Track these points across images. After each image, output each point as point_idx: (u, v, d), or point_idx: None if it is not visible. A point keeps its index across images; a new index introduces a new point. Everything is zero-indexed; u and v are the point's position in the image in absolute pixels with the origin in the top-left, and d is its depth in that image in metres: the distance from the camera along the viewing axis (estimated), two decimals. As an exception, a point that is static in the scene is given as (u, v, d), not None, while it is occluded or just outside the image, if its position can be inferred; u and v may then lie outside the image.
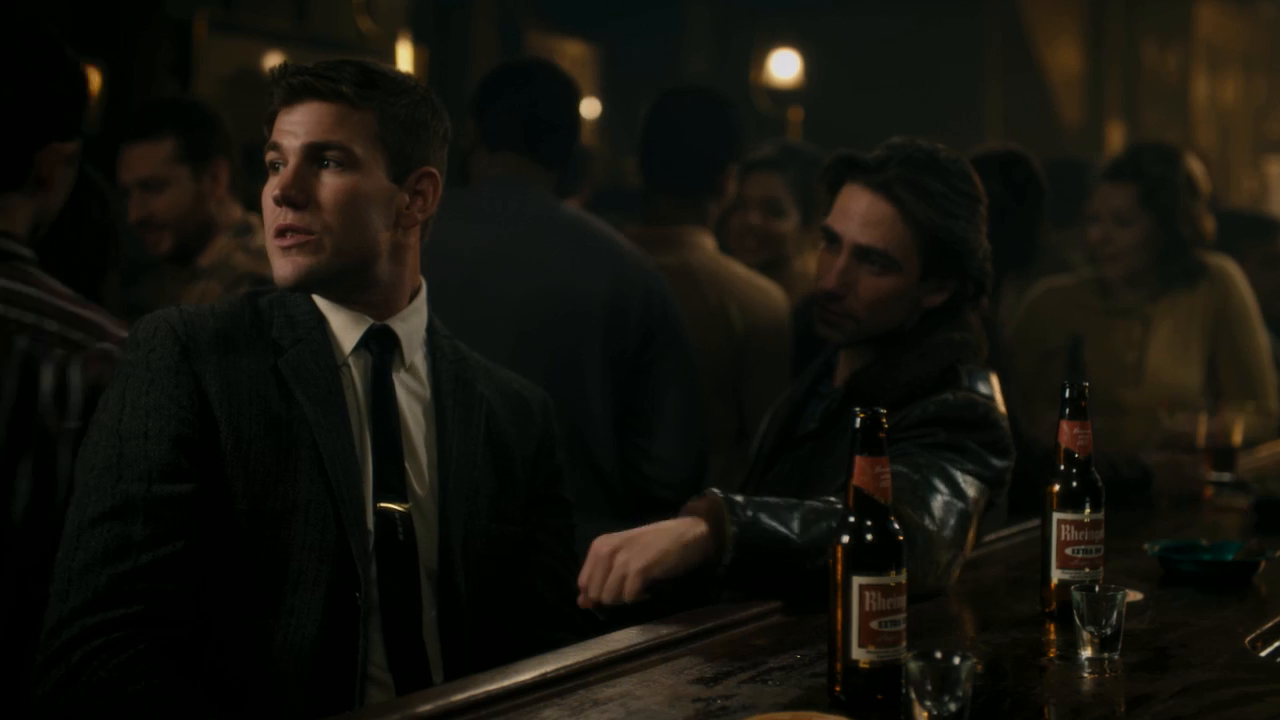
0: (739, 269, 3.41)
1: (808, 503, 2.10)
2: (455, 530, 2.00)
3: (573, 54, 11.43)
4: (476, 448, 2.06)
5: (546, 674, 1.71)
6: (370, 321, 2.01)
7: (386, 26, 8.31)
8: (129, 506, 1.82)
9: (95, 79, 7.05)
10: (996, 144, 3.43)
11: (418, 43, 8.79)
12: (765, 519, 2.03)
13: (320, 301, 2.00)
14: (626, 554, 1.96)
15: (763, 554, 2.02)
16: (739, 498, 2.06)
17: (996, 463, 2.29)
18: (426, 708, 1.60)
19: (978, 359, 2.41)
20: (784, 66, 10.04)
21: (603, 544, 1.99)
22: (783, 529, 2.03)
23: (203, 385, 1.89)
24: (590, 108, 11.64)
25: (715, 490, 2.06)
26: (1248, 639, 1.97)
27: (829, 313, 2.42)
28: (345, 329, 2.00)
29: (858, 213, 2.39)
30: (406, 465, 1.99)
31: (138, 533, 1.81)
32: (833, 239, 2.42)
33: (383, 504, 1.95)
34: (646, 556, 1.95)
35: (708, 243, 3.38)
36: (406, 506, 1.97)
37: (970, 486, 2.22)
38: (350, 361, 1.99)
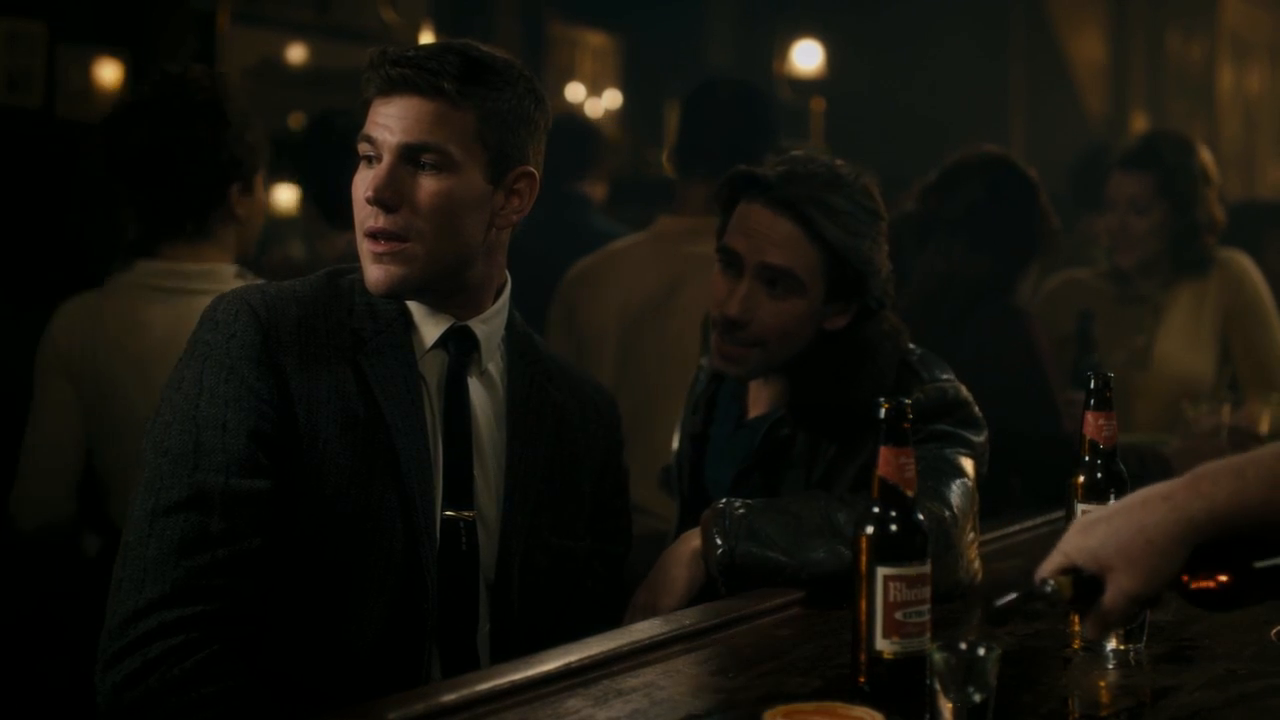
0: None
1: (825, 499, 2.10)
2: (516, 543, 1.96)
3: (594, 44, 11.41)
4: (544, 458, 2.01)
5: (571, 664, 1.71)
6: (451, 320, 1.95)
7: (409, 17, 8.31)
8: (205, 498, 1.77)
9: (117, 70, 7.07)
10: (973, 149, 3.42)
11: (439, 34, 8.80)
12: (749, 545, 2.05)
13: None
14: (648, 597, 2.08)
15: (750, 573, 2.06)
16: (739, 509, 2.07)
17: (975, 438, 2.27)
18: (451, 697, 1.61)
19: (908, 339, 2.34)
20: (806, 57, 10.00)
21: (634, 602, 2.10)
22: (769, 549, 2.05)
23: (283, 378, 1.83)
24: (612, 98, 11.62)
25: (718, 502, 2.10)
26: (1274, 631, 1.95)
27: (730, 344, 2.28)
28: (425, 324, 1.94)
29: (760, 232, 2.26)
30: (475, 472, 1.94)
31: (215, 526, 1.77)
32: (731, 261, 2.29)
33: (449, 511, 1.91)
34: (662, 594, 2.07)
35: None
36: (471, 515, 1.93)
37: (966, 464, 2.22)
38: (427, 359, 1.94)
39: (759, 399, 2.39)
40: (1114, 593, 1.55)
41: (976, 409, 2.30)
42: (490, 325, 1.98)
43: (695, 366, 3.27)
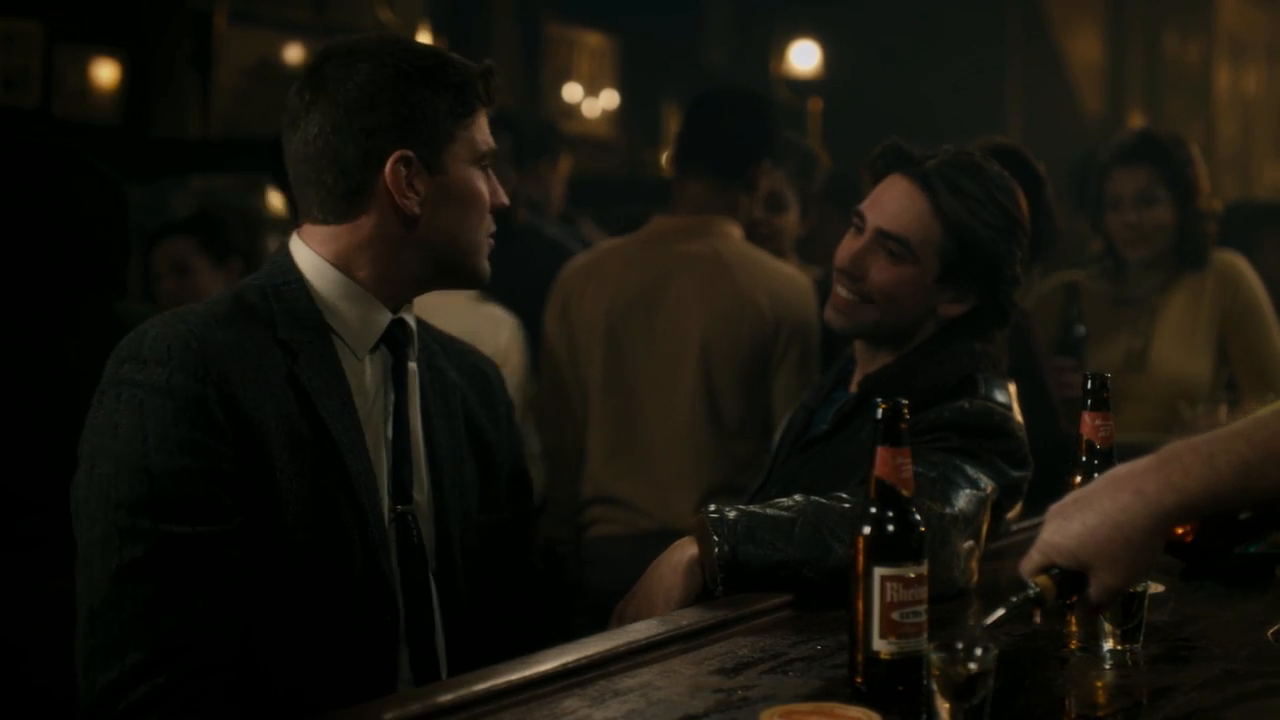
0: (768, 259, 3.42)
1: (815, 502, 2.10)
2: (453, 529, 1.97)
3: (591, 45, 11.42)
4: (461, 440, 2.02)
5: (567, 664, 1.71)
6: (389, 315, 1.94)
7: (406, 17, 8.32)
8: (174, 551, 1.71)
9: (114, 70, 7.07)
10: (984, 140, 3.42)
11: (437, 33, 8.80)
12: (749, 546, 2.03)
13: (331, 291, 1.91)
14: (635, 609, 2.05)
15: (752, 574, 2.04)
16: (732, 513, 2.06)
17: (1013, 473, 2.27)
18: (448, 697, 1.60)
19: (997, 369, 2.39)
20: (803, 57, 10.02)
21: (620, 610, 2.07)
22: (769, 550, 2.03)
23: (230, 410, 1.77)
24: (609, 99, 11.63)
25: (708, 509, 2.08)
26: (1270, 631, 1.96)
27: (842, 293, 2.38)
28: (363, 323, 1.92)
29: (889, 199, 2.36)
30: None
31: (188, 578, 1.71)
32: (859, 224, 2.40)
33: (399, 506, 1.91)
34: (660, 604, 2.03)
35: (736, 233, 3.40)
36: (412, 506, 1.93)
37: (986, 484, 2.21)
38: (367, 360, 1.92)
39: (859, 376, 2.44)
40: (1099, 589, 1.59)
41: (1024, 446, 2.30)
42: (410, 315, 2.00)
43: (682, 363, 3.30)
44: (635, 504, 3.24)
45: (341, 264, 1.92)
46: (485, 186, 1.96)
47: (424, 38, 8.48)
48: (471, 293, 3.26)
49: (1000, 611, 1.58)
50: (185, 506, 1.72)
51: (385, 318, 1.93)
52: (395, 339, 1.95)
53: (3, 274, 2.83)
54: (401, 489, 1.92)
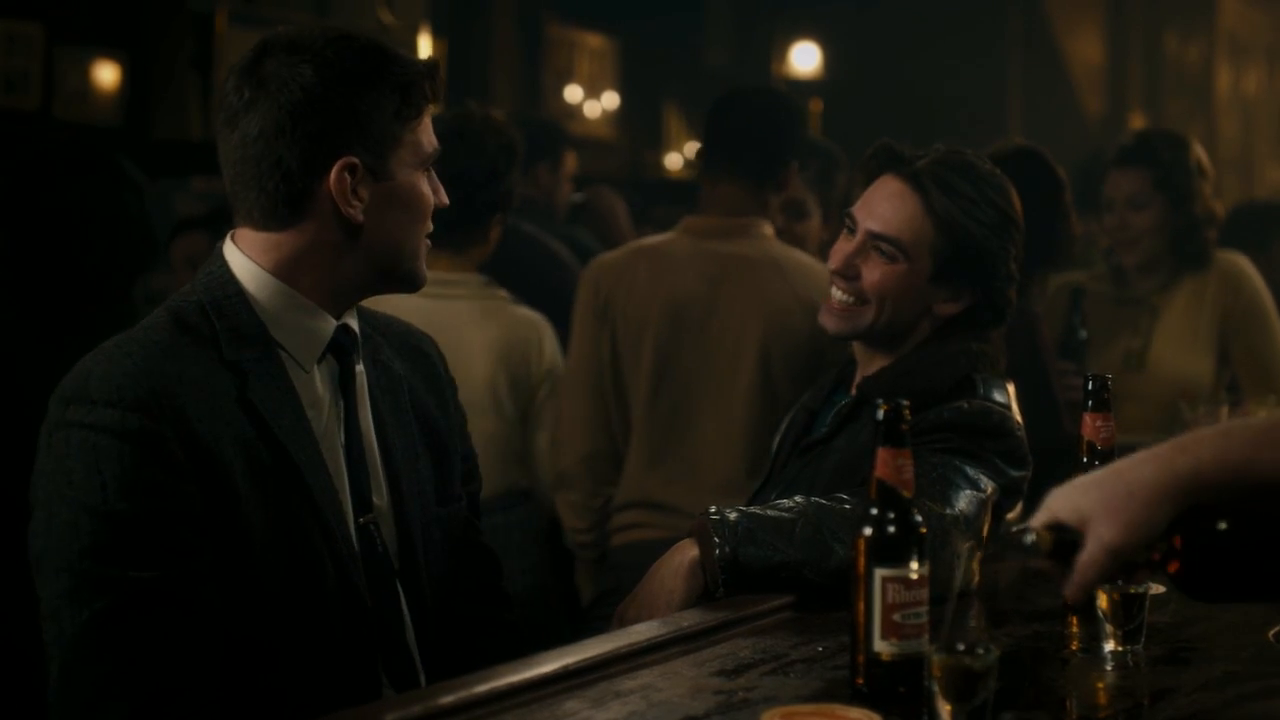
0: (815, 261, 3.40)
1: (815, 503, 2.10)
2: (414, 529, 1.94)
3: (592, 46, 11.43)
4: (413, 436, 1.98)
5: (569, 665, 1.71)
6: (333, 323, 1.87)
7: (407, 19, 8.33)
8: (145, 596, 1.66)
9: (114, 71, 7.08)
10: (1007, 143, 3.42)
11: (437, 35, 8.81)
12: (750, 548, 2.03)
13: (274, 302, 1.84)
14: (636, 611, 2.05)
15: (753, 575, 2.04)
16: (733, 515, 2.06)
17: (1013, 472, 2.27)
18: (449, 699, 1.60)
19: (995, 369, 2.39)
20: (804, 58, 10.03)
21: (621, 611, 2.08)
22: (770, 551, 2.04)
23: (189, 446, 1.70)
24: (609, 100, 11.64)
25: (710, 510, 2.08)
26: (1271, 632, 1.95)
27: (838, 295, 2.38)
28: (308, 334, 1.85)
29: (878, 200, 2.36)
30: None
31: (163, 622, 1.67)
32: (851, 226, 2.40)
33: (361, 518, 1.88)
34: (660, 608, 2.04)
35: (772, 233, 3.39)
36: (374, 514, 1.90)
37: (986, 484, 2.21)
38: (315, 371, 1.87)
39: (858, 378, 2.44)
40: (1093, 544, 1.54)
41: (1023, 445, 2.29)
42: (352, 316, 1.94)
43: (740, 366, 3.28)
44: (681, 509, 3.20)
45: (283, 273, 1.84)
46: (428, 189, 1.90)
47: (424, 39, 8.49)
48: (504, 295, 3.26)
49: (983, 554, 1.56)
50: (152, 551, 1.67)
51: (330, 326, 1.87)
52: (341, 346, 1.90)
53: (27, 277, 2.82)
54: (362, 499, 1.89)
